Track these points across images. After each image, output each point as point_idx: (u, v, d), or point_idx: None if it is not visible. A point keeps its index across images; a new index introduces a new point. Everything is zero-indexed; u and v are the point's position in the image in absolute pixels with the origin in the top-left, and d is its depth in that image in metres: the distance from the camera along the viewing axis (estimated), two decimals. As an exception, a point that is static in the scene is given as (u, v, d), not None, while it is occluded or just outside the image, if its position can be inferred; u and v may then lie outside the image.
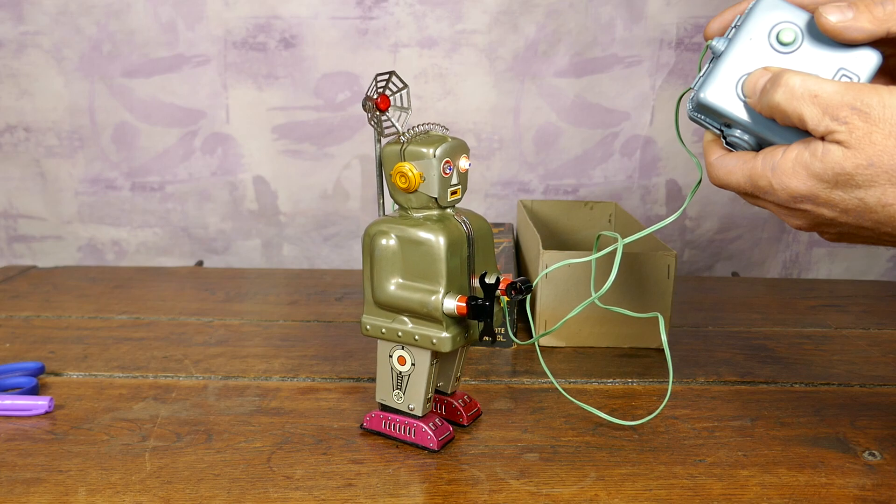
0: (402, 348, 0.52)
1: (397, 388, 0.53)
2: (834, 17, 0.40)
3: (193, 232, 1.13)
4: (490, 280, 0.49)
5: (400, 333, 0.51)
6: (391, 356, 0.53)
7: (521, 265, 0.89)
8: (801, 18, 0.43)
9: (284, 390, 0.64)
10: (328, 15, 1.03)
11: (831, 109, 0.38)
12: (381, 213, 0.54)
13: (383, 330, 0.52)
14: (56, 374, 0.67)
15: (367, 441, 0.55)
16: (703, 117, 0.45)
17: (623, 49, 1.04)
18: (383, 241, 0.50)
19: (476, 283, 0.52)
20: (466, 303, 0.49)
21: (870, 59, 0.41)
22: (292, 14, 1.03)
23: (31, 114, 1.08)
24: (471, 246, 0.51)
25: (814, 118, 0.39)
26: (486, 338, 0.51)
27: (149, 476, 0.50)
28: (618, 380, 0.66)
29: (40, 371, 0.66)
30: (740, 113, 0.43)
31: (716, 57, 0.44)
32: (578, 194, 1.10)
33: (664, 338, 0.52)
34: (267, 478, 0.50)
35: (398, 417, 0.54)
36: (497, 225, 1.00)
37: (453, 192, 0.51)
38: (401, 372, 0.53)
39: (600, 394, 0.63)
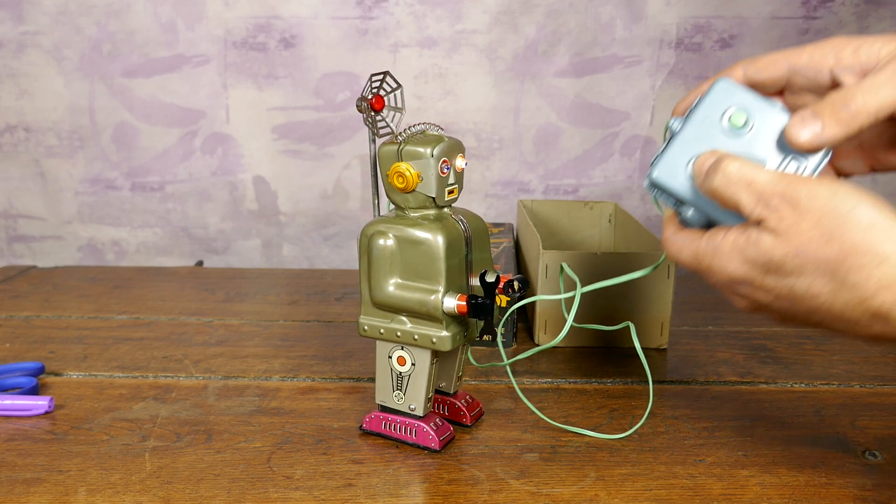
0: (402, 348, 0.52)
1: (397, 389, 0.53)
2: (806, 136, 0.40)
3: (193, 232, 1.13)
4: (490, 279, 0.49)
5: (399, 333, 0.51)
6: (391, 357, 0.53)
7: (521, 265, 0.89)
8: (755, 102, 0.43)
9: (284, 390, 0.64)
10: (328, 15, 1.03)
11: (764, 197, 0.39)
12: (377, 213, 0.54)
13: (381, 330, 0.52)
14: (56, 374, 0.67)
15: (367, 441, 0.55)
16: (657, 193, 0.45)
17: (623, 49, 1.04)
18: (381, 241, 0.50)
19: (474, 281, 0.52)
20: (467, 301, 0.49)
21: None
22: (292, 14, 1.03)
23: (31, 114, 1.08)
24: (468, 245, 0.51)
25: (748, 205, 0.39)
26: (486, 336, 0.51)
27: (149, 476, 0.50)
28: (618, 380, 0.66)
29: (40, 371, 0.66)
30: (689, 193, 0.43)
31: (672, 136, 0.44)
32: (578, 194, 1.10)
33: (637, 345, 0.53)
34: (267, 478, 0.50)
35: (398, 418, 0.54)
36: (497, 225, 1.00)
37: (450, 192, 0.51)
38: (401, 372, 0.53)
39: (600, 394, 0.63)
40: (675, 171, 0.43)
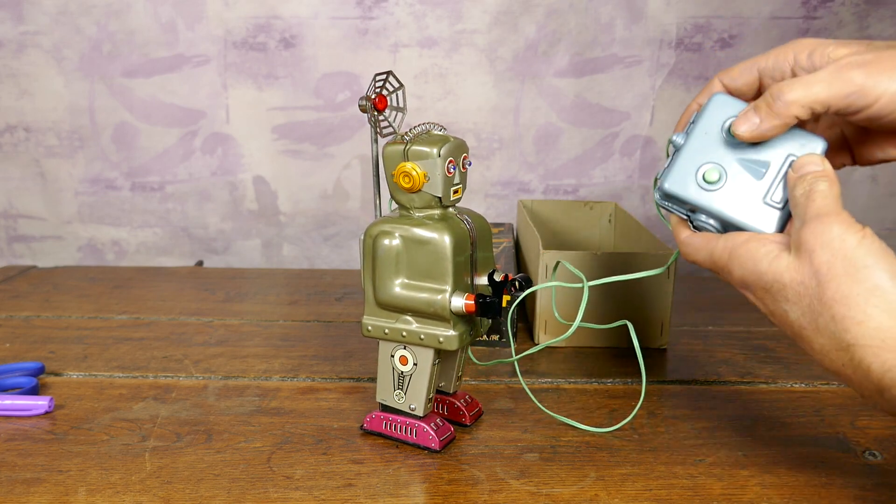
0: (405, 348, 0.52)
1: (398, 388, 0.53)
2: (745, 128, 0.44)
3: (193, 232, 1.13)
4: (498, 278, 0.50)
5: (404, 333, 0.51)
6: (393, 356, 0.53)
7: (520, 265, 0.89)
8: None
9: (284, 390, 0.64)
10: (328, 15, 1.03)
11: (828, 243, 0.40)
12: (378, 213, 0.54)
13: (386, 330, 0.52)
14: (56, 374, 0.67)
15: (367, 441, 0.55)
16: (669, 204, 0.48)
17: (623, 49, 1.04)
18: (386, 242, 0.50)
19: (478, 280, 0.52)
20: (475, 300, 0.49)
21: (815, 147, 0.44)
22: (292, 14, 1.03)
23: (31, 114, 1.08)
24: (473, 244, 0.51)
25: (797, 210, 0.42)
26: (493, 336, 0.51)
27: (149, 476, 0.50)
28: (618, 380, 0.66)
29: (40, 371, 0.66)
30: (703, 200, 0.46)
31: (677, 150, 0.47)
32: (578, 194, 1.10)
33: (636, 342, 0.54)
34: (267, 478, 0.50)
35: (399, 418, 0.54)
36: (497, 225, 1.00)
37: (455, 192, 0.51)
38: (402, 372, 0.53)
39: (600, 394, 0.63)
40: (685, 181, 0.46)
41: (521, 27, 1.03)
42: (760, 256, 0.42)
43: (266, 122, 1.07)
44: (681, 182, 0.46)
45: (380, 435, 0.55)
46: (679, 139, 0.47)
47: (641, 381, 0.56)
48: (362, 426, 0.56)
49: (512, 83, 1.05)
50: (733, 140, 0.45)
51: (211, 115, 1.07)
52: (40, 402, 0.59)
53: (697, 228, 0.47)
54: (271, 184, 1.10)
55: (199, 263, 1.13)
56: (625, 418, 0.58)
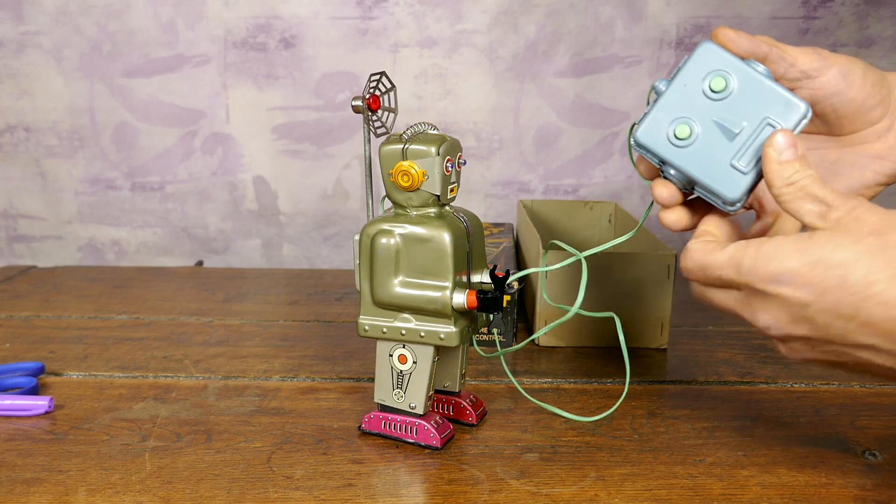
0: (403, 346, 0.52)
1: (398, 388, 0.53)
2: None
3: (193, 232, 1.13)
4: (499, 274, 0.50)
5: (403, 332, 0.51)
6: (391, 355, 0.53)
7: (521, 265, 0.89)
8: (736, 67, 0.44)
9: (284, 390, 0.64)
10: (328, 15, 1.03)
11: (806, 275, 0.39)
12: (371, 214, 0.54)
13: (384, 330, 0.52)
14: (56, 374, 0.67)
15: (367, 441, 0.55)
16: (643, 151, 0.47)
17: (623, 49, 1.04)
18: (384, 241, 0.50)
19: (475, 277, 0.53)
20: (476, 296, 0.49)
21: (796, 111, 0.43)
22: (292, 14, 1.03)
23: (31, 114, 1.08)
24: (469, 241, 0.52)
25: (810, 217, 0.41)
26: (494, 329, 0.51)
27: (149, 476, 0.50)
28: (618, 380, 0.66)
29: (40, 371, 0.66)
30: (671, 155, 0.45)
31: (658, 96, 0.46)
32: (578, 194, 1.10)
33: (622, 337, 0.55)
34: (267, 478, 0.50)
35: (398, 417, 0.54)
36: (497, 225, 1.00)
37: (452, 189, 0.52)
38: (402, 370, 0.53)
39: (600, 394, 0.63)
40: (657, 134, 0.45)
41: (521, 27, 1.03)
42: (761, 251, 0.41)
43: (266, 122, 1.07)
44: (653, 134, 0.45)
45: (379, 435, 0.55)
46: (661, 86, 0.46)
47: (625, 373, 0.56)
48: (360, 427, 0.56)
49: (512, 83, 1.05)
50: (712, 95, 0.44)
51: (211, 115, 1.07)
52: (40, 402, 0.59)
53: (667, 179, 0.47)
54: (271, 184, 1.10)
55: (199, 263, 1.13)
56: (624, 419, 0.58)
